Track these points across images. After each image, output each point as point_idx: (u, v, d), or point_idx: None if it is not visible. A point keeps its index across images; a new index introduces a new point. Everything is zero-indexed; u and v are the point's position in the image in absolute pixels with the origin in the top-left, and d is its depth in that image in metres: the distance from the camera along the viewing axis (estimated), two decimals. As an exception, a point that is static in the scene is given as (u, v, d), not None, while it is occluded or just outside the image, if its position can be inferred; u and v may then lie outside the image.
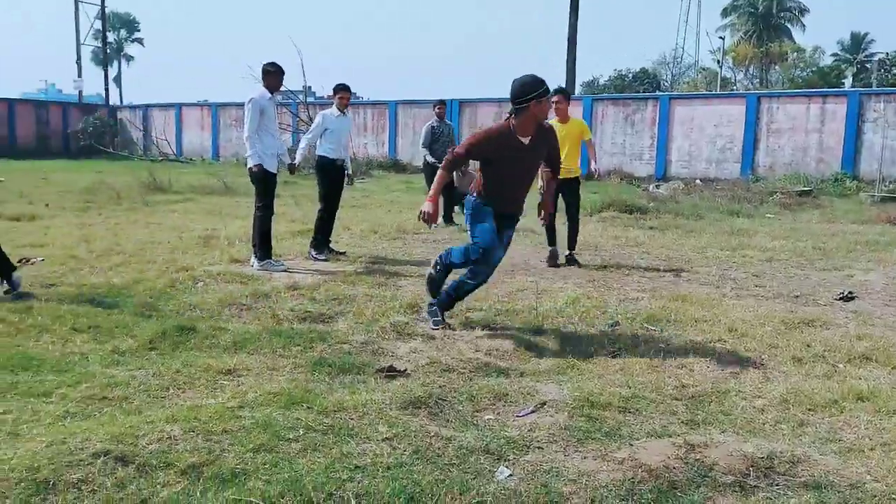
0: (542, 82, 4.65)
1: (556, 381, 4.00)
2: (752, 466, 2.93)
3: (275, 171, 7.14)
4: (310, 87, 35.81)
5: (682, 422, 3.46)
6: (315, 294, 5.85)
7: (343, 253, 7.84)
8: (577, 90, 34.79)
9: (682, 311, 5.58)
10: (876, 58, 50.35)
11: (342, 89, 7.97)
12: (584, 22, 25.33)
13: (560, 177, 7.50)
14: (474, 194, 5.00)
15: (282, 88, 8.76)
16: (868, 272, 7.59)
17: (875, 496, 2.71)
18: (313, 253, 7.65)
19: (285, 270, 6.89)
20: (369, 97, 47.71)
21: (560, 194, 7.56)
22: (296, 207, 12.13)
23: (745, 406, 3.68)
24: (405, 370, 4.05)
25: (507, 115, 4.75)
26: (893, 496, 2.71)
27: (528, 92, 4.57)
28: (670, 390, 3.89)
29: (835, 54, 53.59)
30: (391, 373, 3.96)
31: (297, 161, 7.95)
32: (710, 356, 4.45)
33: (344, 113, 8.06)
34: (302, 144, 8.24)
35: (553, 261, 7.67)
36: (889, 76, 45.96)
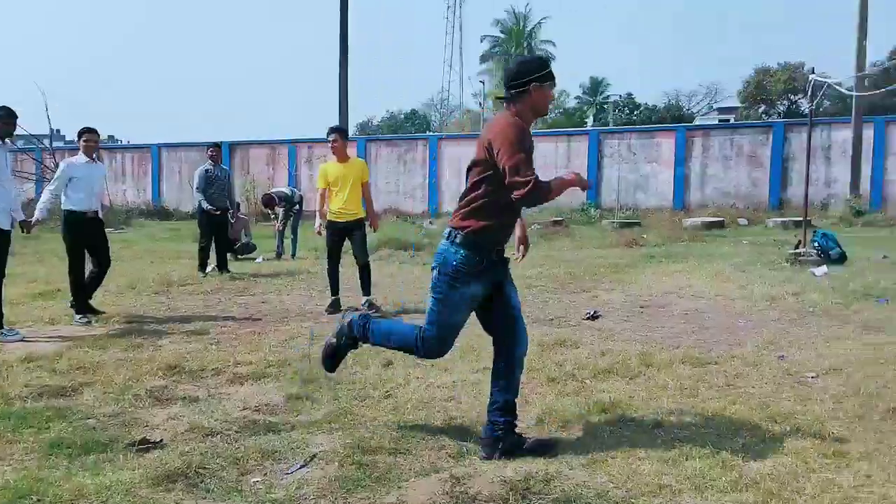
0: (545, 63, 3.66)
1: (328, 431, 3.91)
2: (511, 490, 3.07)
3: (8, 229, 6.29)
4: (58, 131, 32.55)
5: (450, 455, 3.54)
6: (56, 364, 5.20)
7: (96, 312, 7.10)
8: (352, 131, 35.40)
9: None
10: (611, 100, 57.46)
11: (87, 132, 7.25)
12: (355, 64, 25.84)
13: (342, 220, 7.52)
14: (459, 247, 3.51)
15: (24, 132, 7.73)
16: (610, 292, 8.49)
17: (617, 502, 2.97)
18: (77, 318, 6.86)
19: (21, 340, 6.07)
20: (129, 140, 44.49)
21: (346, 238, 7.51)
22: (39, 265, 10.82)
23: (507, 431, 3.86)
24: (160, 440, 3.71)
25: (506, 103, 3.63)
26: (633, 500, 2.99)
27: (529, 72, 3.54)
28: (439, 424, 3.98)
29: (578, 97, 60.16)
30: (144, 445, 3.61)
31: (36, 217, 7.02)
32: (475, 386, 4.63)
33: (93, 159, 7.36)
34: (44, 197, 7.27)
35: (333, 308, 7.48)
36: (622, 116, 52.66)
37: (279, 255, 12.68)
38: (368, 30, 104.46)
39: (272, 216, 14.11)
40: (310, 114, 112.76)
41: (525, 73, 3.55)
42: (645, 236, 15.14)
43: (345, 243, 7.58)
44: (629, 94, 55.73)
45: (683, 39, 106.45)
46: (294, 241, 12.91)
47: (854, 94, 18.20)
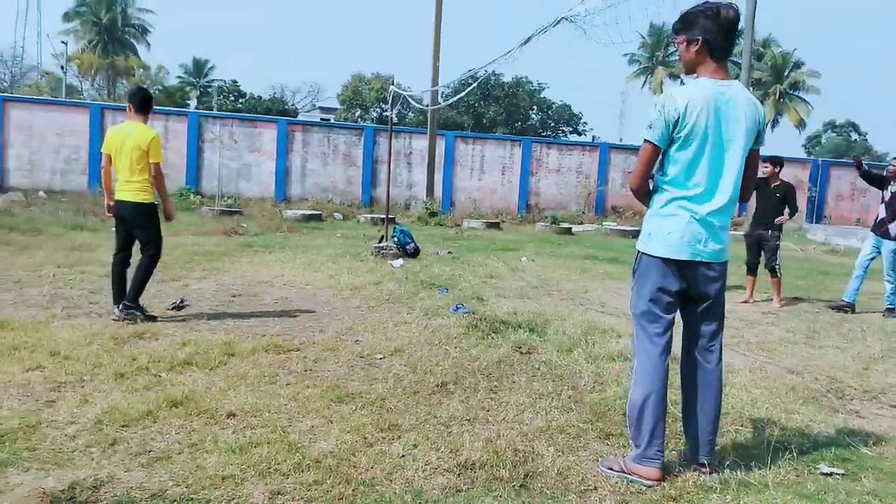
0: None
1: None
2: (53, 502, 2.67)
3: None
4: None
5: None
6: None
7: None
8: None
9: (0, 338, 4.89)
10: (216, 84, 55.84)
11: None
12: None
13: None
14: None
15: None
16: (202, 280, 8.16)
17: (175, 500, 2.79)
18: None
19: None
20: None
21: None
22: None
23: (57, 436, 3.38)
24: None
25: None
26: (193, 496, 2.84)
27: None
28: (-36, 438, 3.28)
29: (180, 76, 57.05)
30: None
31: None
32: (23, 387, 3.98)
33: None
34: None
35: None
36: (227, 102, 51.58)
37: None
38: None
39: None
40: None
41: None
42: (245, 225, 15.02)
43: None
44: (234, 81, 54.94)
45: (290, 35, 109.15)
46: None
47: (429, 107, 20.76)
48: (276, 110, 46.88)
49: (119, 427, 3.51)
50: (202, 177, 20.88)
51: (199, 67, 57.26)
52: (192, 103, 39.95)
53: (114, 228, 6.37)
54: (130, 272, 6.17)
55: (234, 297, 7.35)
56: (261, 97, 52.66)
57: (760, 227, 8.92)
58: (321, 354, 5.20)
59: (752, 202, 8.71)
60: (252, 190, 21.18)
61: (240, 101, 52.41)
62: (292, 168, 21.61)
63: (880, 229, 8.42)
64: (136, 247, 6.27)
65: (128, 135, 6.04)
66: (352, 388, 4.37)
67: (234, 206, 18.57)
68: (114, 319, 5.86)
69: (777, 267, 8.79)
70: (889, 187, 8.44)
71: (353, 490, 2.96)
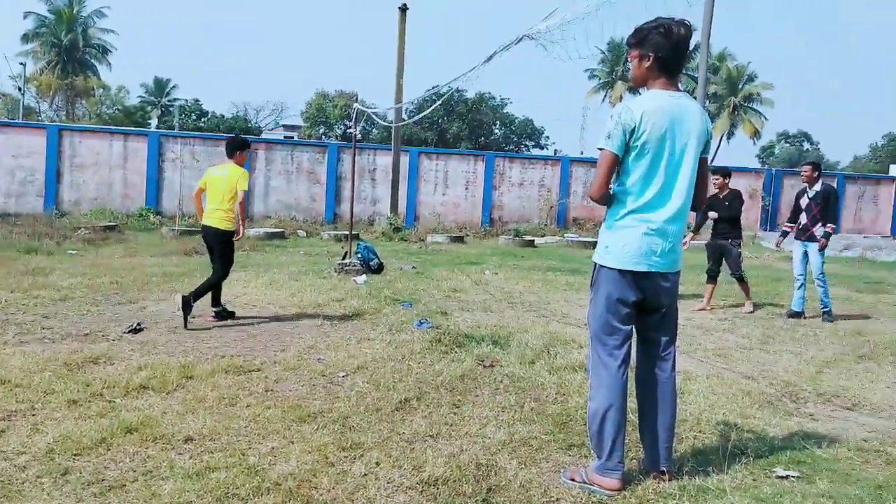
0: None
1: None
2: (0, 539, 2.58)
3: None
4: None
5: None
6: None
7: None
8: None
9: (-56, 369, 4.73)
10: (177, 103, 55.25)
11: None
12: None
13: None
14: None
15: None
16: (160, 302, 8.02)
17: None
18: None
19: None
20: None
21: None
22: None
23: (5, 467, 3.28)
24: None
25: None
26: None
27: None
28: None
29: (141, 96, 56.34)
30: None
31: None
32: (-29, 418, 3.85)
33: None
34: None
35: None
36: (189, 121, 51.06)
37: None
38: None
39: None
40: None
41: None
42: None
43: None
44: (196, 100, 54.44)
45: (255, 52, 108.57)
46: None
47: (393, 124, 20.80)
48: (240, 129, 46.50)
49: (71, 456, 3.41)
50: (163, 197, 20.57)
51: (161, 87, 56.61)
52: (154, 122, 39.45)
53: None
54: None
55: (193, 318, 7.23)
56: (223, 116, 52.24)
57: (720, 237, 9.21)
58: (282, 374, 5.14)
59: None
60: (214, 209, 20.91)
61: (202, 119, 51.92)
62: (255, 186, 21.40)
63: (805, 234, 8.71)
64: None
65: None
66: (313, 408, 4.33)
67: (195, 227, 18.30)
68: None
69: (742, 274, 9.08)
70: (806, 193, 8.74)
71: (313, 511, 2.93)
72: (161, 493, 3.03)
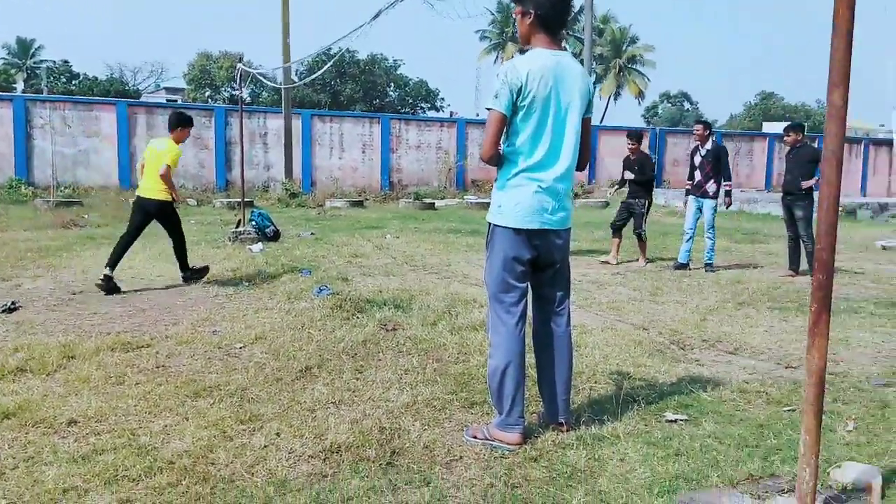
0: None
1: None
2: None
3: None
4: None
5: None
6: None
7: None
8: None
9: None
10: (45, 65, 51.15)
11: None
12: None
13: None
14: None
15: None
16: (36, 279, 7.48)
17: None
18: None
19: None
20: None
21: None
22: None
23: None
24: None
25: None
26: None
27: None
28: None
29: (3, 58, 51.78)
30: None
31: None
32: None
33: None
34: None
35: None
36: (59, 84, 47.44)
37: None
38: None
39: None
40: None
41: None
42: (86, 216, 13.93)
43: None
44: (66, 61, 50.56)
45: (127, 9, 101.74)
46: None
47: (282, 86, 20.14)
48: (116, 92, 43.62)
49: (-64, 449, 3.14)
50: (33, 166, 19.10)
51: (25, 47, 52.22)
52: (19, 86, 36.36)
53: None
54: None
55: (74, 294, 6.80)
56: (97, 78, 48.80)
57: (630, 195, 9.70)
58: (175, 349, 4.92)
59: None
60: (92, 178, 19.64)
61: (73, 82, 48.31)
62: (137, 153, 20.18)
63: (699, 190, 9.17)
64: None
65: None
66: (209, 382, 4.17)
67: (73, 197, 17.17)
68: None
69: (643, 232, 9.53)
70: (699, 152, 9.21)
71: (212, 488, 2.82)
72: (44, 480, 2.84)
